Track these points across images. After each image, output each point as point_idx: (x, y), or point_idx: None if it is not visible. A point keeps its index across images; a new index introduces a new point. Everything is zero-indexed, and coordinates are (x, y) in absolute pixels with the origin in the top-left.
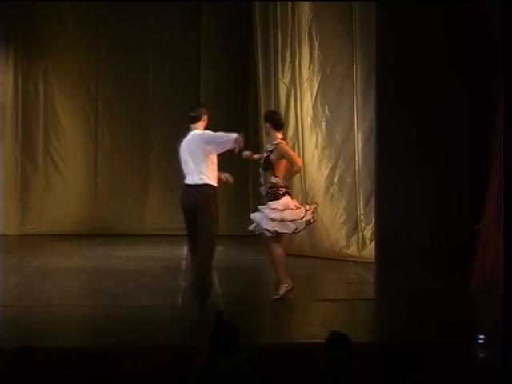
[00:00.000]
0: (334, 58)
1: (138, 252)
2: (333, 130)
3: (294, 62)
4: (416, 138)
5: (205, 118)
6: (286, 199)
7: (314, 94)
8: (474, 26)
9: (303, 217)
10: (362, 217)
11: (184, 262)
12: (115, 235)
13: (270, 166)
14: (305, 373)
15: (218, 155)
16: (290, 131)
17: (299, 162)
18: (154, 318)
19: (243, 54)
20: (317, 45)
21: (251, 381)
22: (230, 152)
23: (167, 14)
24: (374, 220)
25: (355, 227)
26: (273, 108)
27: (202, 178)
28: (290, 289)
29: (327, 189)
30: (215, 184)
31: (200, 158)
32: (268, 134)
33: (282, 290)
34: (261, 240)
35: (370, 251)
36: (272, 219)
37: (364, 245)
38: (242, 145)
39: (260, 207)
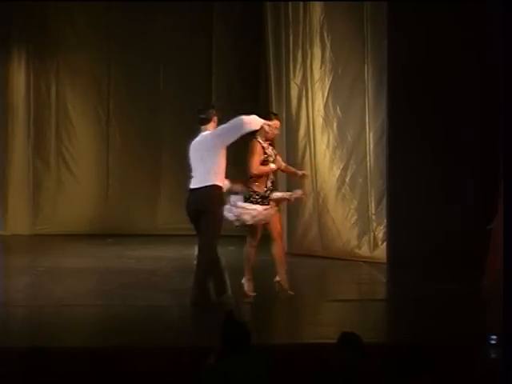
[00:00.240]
0: (346, 58)
1: (149, 252)
2: (344, 130)
3: (306, 62)
4: (427, 138)
5: (215, 119)
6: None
7: (326, 94)
8: (485, 26)
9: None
10: (374, 217)
11: (195, 262)
12: (126, 235)
13: None
14: (315, 373)
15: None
16: (302, 131)
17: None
18: (165, 318)
19: (254, 54)
20: (328, 45)
21: (260, 381)
22: (254, 133)
23: (178, 14)
24: (385, 220)
25: (367, 227)
26: (284, 108)
27: (210, 179)
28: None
29: (339, 189)
30: (222, 185)
31: (212, 156)
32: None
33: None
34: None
35: (381, 251)
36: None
37: (376, 245)
38: (258, 120)
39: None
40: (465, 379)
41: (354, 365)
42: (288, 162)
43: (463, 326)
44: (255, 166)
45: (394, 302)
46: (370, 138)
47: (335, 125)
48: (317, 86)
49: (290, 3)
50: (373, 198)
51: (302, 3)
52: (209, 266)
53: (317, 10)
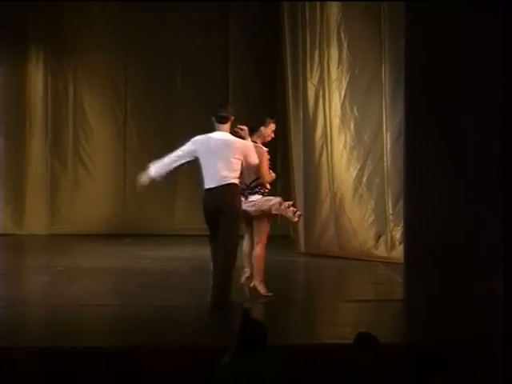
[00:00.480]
0: (363, 58)
1: (166, 252)
2: (361, 131)
3: (323, 62)
4: (445, 138)
5: (232, 119)
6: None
7: (343, 94)
8: (504, 26)
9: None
10: (391, 217)
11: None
12: (143, 235)
13: None
14: (331, 373)
15: None
16: (319, 131)
17: None
18: (182, 318)
19: (271, 53)
20: (345, 45)
21: (276, 380)
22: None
23: (195, 14)
24: (402, 221)
25: (384, 228)
26: (301, 108)
27: (229, 177)
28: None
29: (356, 189)
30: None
31: (233, 160)
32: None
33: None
34: (289, 240)
35: (398, 252)
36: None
37: (393, 246)
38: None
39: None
40: (480, 380)
41: (370, 365)
42: (305, 162)
43: (480, 327)
44: (267, 174)
45: (411, 303)
46: (388, 139)
47: (352, 125)
48: (334, 86)
49: (306, 3)
50: (390, 199)
51: (318, 3)
52: (229, 266)
53: (334, 9)
